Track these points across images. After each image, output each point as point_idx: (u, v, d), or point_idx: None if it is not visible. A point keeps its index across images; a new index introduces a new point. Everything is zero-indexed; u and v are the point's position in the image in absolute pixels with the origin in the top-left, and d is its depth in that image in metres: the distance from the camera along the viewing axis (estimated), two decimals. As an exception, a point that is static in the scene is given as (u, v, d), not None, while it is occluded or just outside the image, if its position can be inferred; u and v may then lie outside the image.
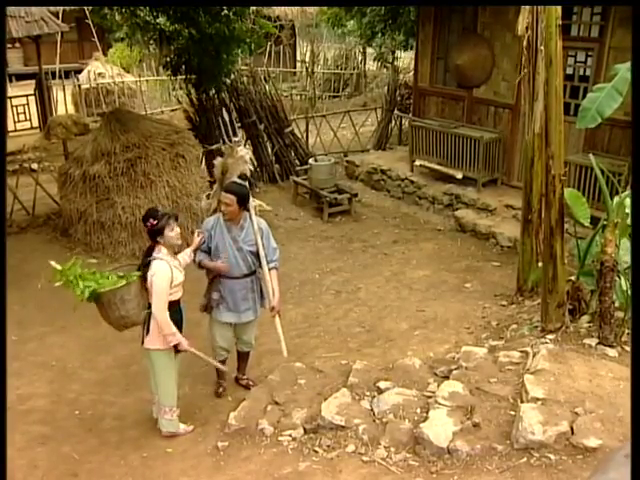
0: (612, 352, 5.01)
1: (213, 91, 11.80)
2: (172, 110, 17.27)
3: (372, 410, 4.72)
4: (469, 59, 10.55)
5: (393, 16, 16.04)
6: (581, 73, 9.55)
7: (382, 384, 4.97)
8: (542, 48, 5.78)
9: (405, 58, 19.37)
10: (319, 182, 10.61)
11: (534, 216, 6.40)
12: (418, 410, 4.62)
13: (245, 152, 5.85)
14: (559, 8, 5.30)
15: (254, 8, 13.22)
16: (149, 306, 4.69)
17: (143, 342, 4.83)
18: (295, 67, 23.04)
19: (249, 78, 12.65)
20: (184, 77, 12.11)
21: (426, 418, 4.45)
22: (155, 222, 4.71)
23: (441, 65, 11.54)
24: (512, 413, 4.39)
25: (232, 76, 12.17)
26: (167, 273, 4.67)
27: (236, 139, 5.15)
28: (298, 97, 19.53)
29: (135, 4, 10.59)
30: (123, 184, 9.12)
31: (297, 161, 12.44)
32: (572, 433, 4.09)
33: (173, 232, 4.80)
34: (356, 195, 10.63)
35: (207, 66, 11.12)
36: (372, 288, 7.67)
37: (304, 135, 13.49)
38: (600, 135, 8.75)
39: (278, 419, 4.85)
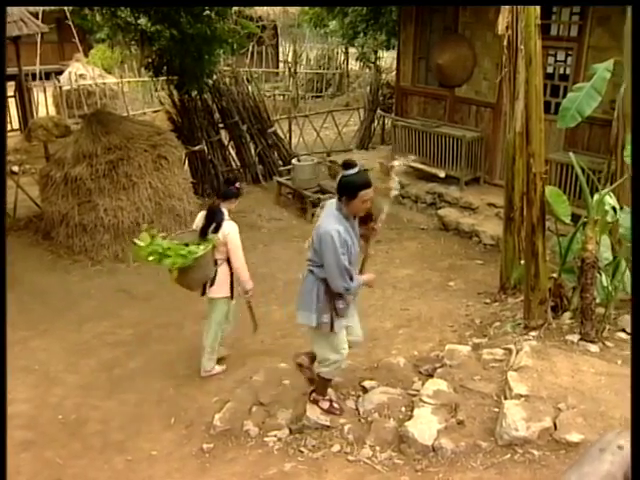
0: (593, 348, 5.06)
1: (195, 92, 11.76)
2: (154, 111, 17.18)
3: (357, 409, 4.75)
4: (450, 58, 10.60)
5: (375, 16, 16.09)
6: (561, 72, 9.64)
7: (367, 383, 4.99)
8: (522, 47, 5.83)
9: (387, 58, 19.42)
10: (302, 182, 10.62)
11: (516, 214, 6.46)
12: (403, 409, 4.64)
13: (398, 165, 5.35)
14: (538, 8, 5.34)
15: (236, 8, 13.21)
16: (215, 262, 5.50)
17: (204, 293, 5.65)
18: (278, 67, 23.02)
19: (231, 79, 12.63)
20: (166, 78, 12.06)
21: (411, 416, 4.47)
22: (239, 187, 5.70)
23: (423, 65, 11.60)
24: (496, 410, 4.42)
25: (214, 77, 12.15)
26: (237, 230, 5.54)
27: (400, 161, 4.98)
28: (281, 97, 19.52)
29: (130, 5, 10.51)
30: (105, 186, 9.08)
31: (280, 161, 12.45)
32: (555, 429, 4.12)
33: (235, 204, 5.74)
34: (339, 195, 10.63)
35: (189, 67, 11.08)
36: (356, 288, 7.67)
37: (287, 135, 13.50)
38: (580, 133, 8.84)
39: (263, 420, 4.85)
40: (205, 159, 11.69)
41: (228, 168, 12.04)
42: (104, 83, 17.92)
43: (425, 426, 4.32)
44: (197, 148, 11.52)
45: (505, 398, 4.48)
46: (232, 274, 5.62)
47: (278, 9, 21.24)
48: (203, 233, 5.49)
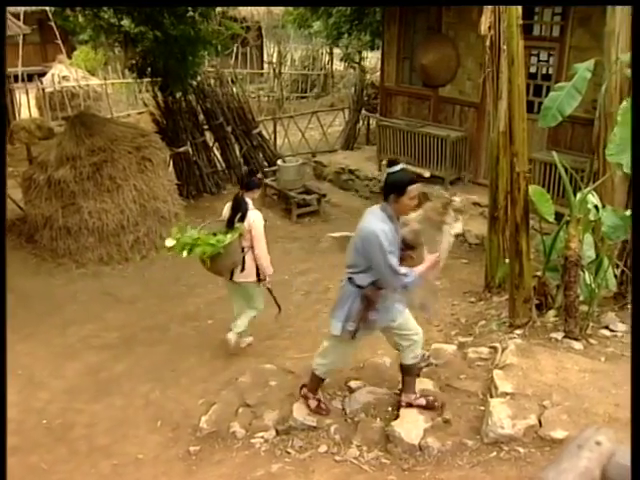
0: (577, 345, 5.10)
1: (179, 93, 11.72)
2: (139, 113, 17.11)
3: (344, 410, 4.75)
4: (434, 59, 10.64)
5: (359, 16, 16.10)
6: (544, 72, 9.71)
7: (353, 383, 5.00)
8: (504, 47, 5.87)
9: (372, 58, 19.44)
10: (287, 183, 10.61)
11: (500, 213, 6.50)
12: (389, 408, 4.66)
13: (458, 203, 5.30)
14: (519, 8, 5.37)
15: (220, 9, 13.16)
16: (242, 249, 5.85)
17: (232, 277, 5.99)
18: (262, 68, 22.98)
19: (216, 80, 12.60)
20: (150, 79, 12.01)
21: (397, 416, 4.49)
22: (260, 178, 5.94)
23: (407, 65, 11.63)
24: (482, 408, 4.44)
25: (198, 78, 12.11)
26: (262, 218, 5.93)
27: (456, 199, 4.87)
28: (265, 98, 19.50)
29: (125, 5, 10.45)
30: (89, 188, 9.03)
31: (265, 162, 12.43)
32: (540, 426, 4.16)
33: (258, 193, 6.26)
34: (324, 195, 10.66)
35: (173, 68, 11.03)
36: (342, 288, 7.68)
37: (272, 136, 13.49)
38: (563, 133, 8.91)
39: (250, 421, 4.85)
40: (190, 161, 11.65)
41: (213, 169, 12.01)
42: (87, 85, 17.82)
43: (412, 425, 4.34)
44: (182, 150, 11.48)
45: (491, 396, 4.52)
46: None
47: (262, 10, 21.21)
48: (230, 223, 5.87)
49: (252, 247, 5.92)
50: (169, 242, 5.84)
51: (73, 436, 5.10)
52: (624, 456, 1.69)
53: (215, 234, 5.80)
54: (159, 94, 11.72)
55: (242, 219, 5.83)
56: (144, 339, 6.76)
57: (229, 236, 5.73)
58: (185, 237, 5.77)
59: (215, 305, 7.46)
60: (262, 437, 4.64)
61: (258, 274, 6.02)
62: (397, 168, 4.09)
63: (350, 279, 4.32)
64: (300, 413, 4.69)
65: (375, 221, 4.11)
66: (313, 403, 4.73)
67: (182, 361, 6.18)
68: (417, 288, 4.42)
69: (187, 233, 5.80)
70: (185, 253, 5.73)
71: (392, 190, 4.09)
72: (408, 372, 4.61)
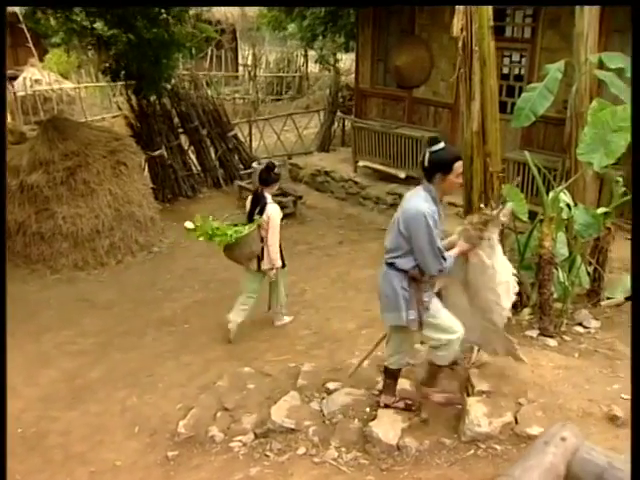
0: (552, 342, 5.18)
1: (154, 97, 11.66)
2: (113, 117, 16.94)
3: (322, 411, 4.74)
4: (408, 60, 10.71)
5: (333, 19, 16.15)
6: (516, 73, 9.84)
7: (331, 385, 4.99)
8: (477, 49, 5.92)
9: (346, 60, 19.50)
10: (263, 186, 10.58)
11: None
12: (367, 409, 4.66)
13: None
14: (490, 10, 5.43)
15: (193, 11, 13.09)
16: (262, 240, 6.24)
17: (259, 267, 6.38)
18: (237, 71, 22.93)
19: (190, 83, 12.55)
20: (124, 83, 11.92)
21: (375, 416, 4.50)
22: (278, 173, 6.42)
23: (381, 66, 11.70)
24: (459, 407, 4.48)
25: (173, 81, 12.06)
26: (279, 212, 6.31)
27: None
28: (241, 101, 19.45)
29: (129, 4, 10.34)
30: (63, 193, 8.93)
31: (241, 165, 12.41)
32: (516, 423, 4.21)
33: (275, 188, 6.59)
34: (300, 197, 10.66)
35: (147, 71, 10.98)
36: (318, 290, 7.70)
37: (247, 139, 13.47)
38: (535, 132, 9.01)
39: (228, 425, 4.82)
40: (165, 164, 11.59)
41: (188, 173, 11.96)
42: (60, 88, 17.60)
43: (389, 426, 4.36)
44: (157, 153, 11.42)
45: (467, 395, 4.55)
46: (281, 249, 6.44)
47: (237, 13, 21.16)
48: (250, 216, 6.32)
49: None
50: (189, 224, 6.23)
51: (48, 444, 5.03)
52: (588, 451, 1.73)
53: (236, 225, 6.28)
54: (133, 97, 11.64)
55: (261, 212, 6.24)
56: (120, 344, 6.69)
57: (247, 228, 6.19)
58: (206, 226, 6.17)
59: (191, 309, 7.43)
60: (240, 441, 4.61)
61: (282, 259, 6.48)
62: (440, 146, 3.97)
63: (391, 264, 4.16)
64: (278, 416, 4.68)
65: (421, 201, 3.98)
66: (438, 397, 4.54)
67: (159, 366, 6.13)
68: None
69: (209, 223, 6.20)
70: (201, 238, 6.22)
71: (438, 169, 3.98)
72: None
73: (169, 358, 6.29)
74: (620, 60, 5.99)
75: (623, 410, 4.21)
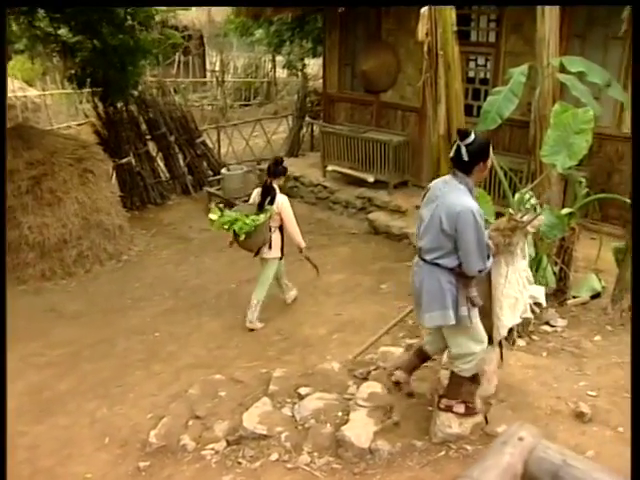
0: (521, 342, 5.24)
1: (121, 104, 11.56)
2: (79, 124, 16.75)
3: (294, 417, 4.73)
4: (375, 65, 10.77)
5: (300, 24, 16.19)
6: (482, 76, 9.94)
7: (302, 390, 4.98)
8: (442, 53, 5.99)
9: (314, 65, 19.55)
10: (232, 192, 10.57)
11: (443, 216, 6.60)
12: (339, 413, 4.67)
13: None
14: (453, 15, 5.51)
15: (160, 18, 13.01)
16: (270, 229, 6.70)
17: (257, 253, 6.83)
18: (205, 77, 22.84)
19: (158, 89, 12.48)
20: (90, 90, 11.80)
21: (347, 420, 4.50)
22: (284, 167, 6.96)
23: (348, 71, 11.74)
24: (430, 409, 4.51)
25: (140, 88, 11.97)
26: (288, 201, 6.83)
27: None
28: (209, 107, 19.38)
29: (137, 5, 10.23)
30: (28, 203, 8.79)
31: (210, 171, 12.36)
32: (486, 423, 4.26)
33: (283, 180, 7.08)
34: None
35: (113, 78, 10.88)
36: (289, 295, 7.69)
37: (216, 145, 13.41)
38: (501, 135, 9.11)
39: (200, 433, 4.79)
40: (133, 171, 11.50)
41: (157, 180, 11.88)
42: (25, 96, 17.35)
43: (361, 429, 4.36)
44: (124, 161, 11.33)
45: (438, 397, 4.58)
46: (282, 239, 6.88)
47: (204, 18, 21.07)
48: (260, 206, 6.71)
49: (279, 227, 6.81)
50: (213, 215, 6.75)
51: (15, 460, 4.89)
52: (544, 449, 1.76)
53: (247, 216, 6.60)
54: (100, 105, 11.53)
55: (271, 202, 6.67)
56: (89, 355, 6.61)
57: (262, 216, 6.59)
58: (225, 216, 6.66)
59: (161, 317, 7.37)
60: (213, 449, 4.58)
61: (282, 251, 6.94)
62: (472, 137, 3.82)
63: (436, 264, 3.94)
64: (250, 422, 4.66)
65: (465, 197, 3.81)
66: (460, 408, 4.30)
67: (129, 375, 6.07)
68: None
69: (226, 214, 6.71)
70: (226, 227, 6.62)
71: (480, 158, 3.85)
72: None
73: (139, 367, 6.24)
74: (580, 64, 6.10)
75: (589, 407, 4.29)
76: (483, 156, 3.87)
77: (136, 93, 11.79)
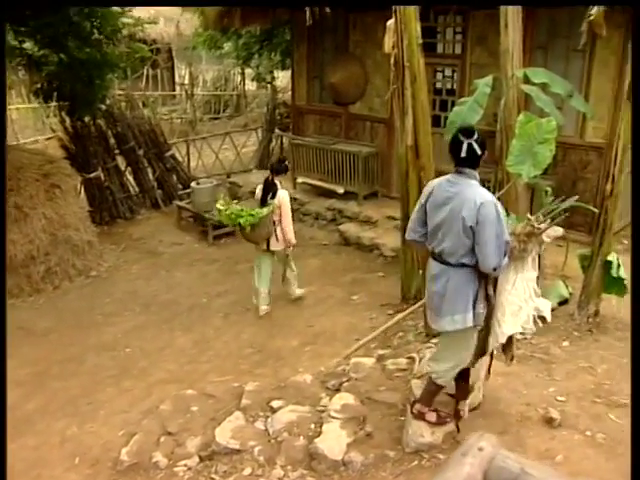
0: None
1: (89, 118, 11.46)
2: (47, 139, 16.54)
3: (267, 430, 4.71)
4: (343, 77, 10.84)
5: (268, 37, 16.25)
6: (448, 87, 10.08)
7: (275, 403, 4.96)
8: (408, 64, 6.06)
9: (283, 77, 19.60)
10: (202, 205, 10.53)
11: (412, 226, 6.65)
12: (312, 426, 4.66)
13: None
14: (418, 27, 5.58)
15: (127, 32, 12.93)
16: (274, 222, 7.15)
17: (269, 247, 7.31)
18: (174, 90, 22.75)
19: (126, 103, 12.39)
20: (57, 104, 11.68)
21: (320, 433, 4.49)
22: (286, 165, 7.51)
23: (317, 83, 11.81)
24: (402, 419, 4.53)
25: (108, 102, 11.87)
26: (288, 196, 7.29)
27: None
28: (178, 120, 19.30)
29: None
30: (-6, 219, 8.65)
31: (179, 185, 12.29)
32: (458, 431, 4.28)
33: (283, 178, 7.46)
34: (241, 216, 10.63)
35: (80, 92, 10.78)
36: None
37: (185, 159, 13.36)
38: (469, 145, 9.21)
39: (172, 450, 4.73)
40: (102, 186, 11.39)
41: (126, 194, 11.78)
42: (-10, 111, 17.11)
43: (334, 441, 4.36)
44: (92, 175, 11.22)
45: (411, 406, 4.60)
46: None
47: (172, 32, 21.01)
48: (263, 201, 7.18)
49: (280, 220, 7.19)
50: (220, 205, 7.19)
51: (-17, 481, 4.84)
52: (503, 459, 1.79)
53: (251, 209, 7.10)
54: (67, 119, 11.41)
55: (273, 197, 7.13)
56: (58, 373, 6.51)
57: (265, 209, 7.05)
58: (231, 209, 7.10)
59: (132, 333, 7.29)
60: (185, 465, 4.53)
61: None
62: (476, 133, 3.93)
63: (462, 264, 3.90)
64: (223, 437, 4.63)
65: (482, 190, 3.84)
66: (432, 417, 4.30)
67: (100, 392, 5.99)
68: None
69: (232, 207, 7.14)
70: (233, 217, 7.03)
71: (484, 149, 3.95)
72: (430, 384, 4.32)
73: (110, 384, 6.16)
74: (543, 75, 6.22)
75: (559, 412, 4.35)
76: (486, 147, 3.98)
77: (104, 107, 11.69)
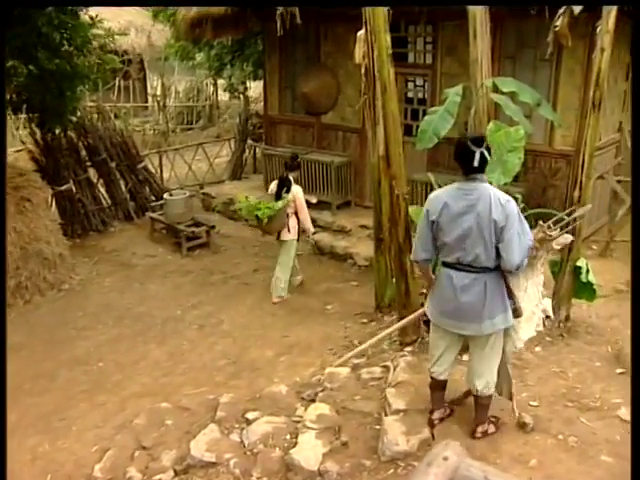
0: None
1: (59, 130, 11.34)
2: (16, 151, 16.31)
3: (242, 442, 4.69)
4: (315, 87, 10.88)
5: (240, 47, 16.26)
6: (420, 97, 10.18)
7: (250, 415, 4.94)
8: (379, 75, 6.11)
9: (256, 88, 19.60)
10: (175, 216, 10.47)
11: (385, 234, 6.69)
12: (288, 436, 4.65)
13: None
14: (388, 38, 5.63)
15: (97, 43, 12.84)
16: (287, 215, 7.86)
17: (279, 237, 8.00)
18: (146, 101, 22.62)
19: (98, 115, 12.30)
20: (27, 116, 11.54)
21: (296, 443, 4.49)
22: (298, 162, 8.29)
23: (289, 94, 11.84)
24: (377, 427, 4.54)
25: (79, 113, 11.76)
26: (301, 190, 8.03)
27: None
28: (151, 132, 19.19)
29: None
30: (-38, 233, 8.51)
31: (152, 197, 12.20)
32: (433, 439, 4.30)
33: (297, 173, 8.38)
34: (214, 227, 10.60)
35: (50, 104, 10.65)
36: (235, 319, 7.65)
37: (158, 170, 13.28)
38: (441, 154, 9.32)
39: (146, 464, 4.68)
40: (73, 199, 11.26)
41: (98, 207, 11.66)
42: (-43, 124, 16.87)
43: (310, 452, 4.36)
44: (64, 188, 11.09)
45: (385, 415, 4.62)
46: (298, 223, 7.99)
47: (144, 43, 20.89)
48: (278, 195, 7.85)
49: (294, 213, 7.91)
50: (239, 202, 8.33)
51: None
52: (467, 468, 1.81)
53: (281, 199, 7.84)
54: (37, 131, 11.27)
55: (287, 191, 7.80)
56: (30, 389, 6.41)
57: (280, 203, 7.74)
58: (250, 202, 7.92)
59: (106, 346, 7.20)
60: (160, 479, 4.51)
61: (298, 234, 8.07)
62: (485, 143, 4.01)
63: (487, 268, 3.95)
64: (198, 450, 4.60)
65: (499, 191, 3.94)
66: (492, 428, 4.37)
67: (72, 408, 5.91)
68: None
69: (250, 199, 8.01)
70: (251, 209, 7.84)
71: (489, 157, 4.03)
72: (483, 400, 4.31)
73: (83, 399, 6.08)
74: (512, 84, 6.32)
75: (532, 417, 4.40)
76: (490, 151, 4.11)
77: (75, 119, 11.56)
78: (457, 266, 4.03)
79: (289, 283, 8.19)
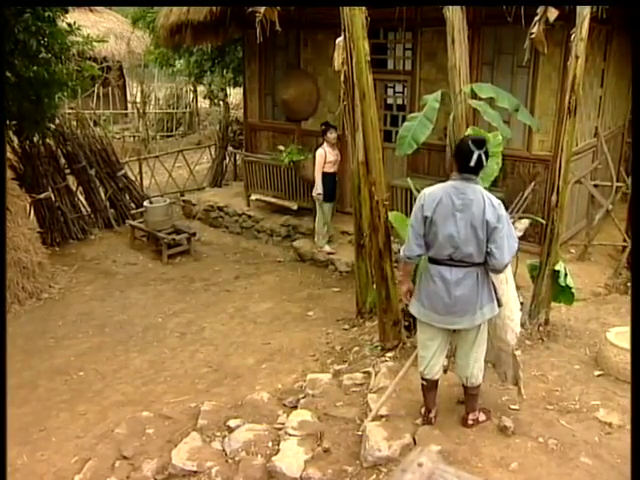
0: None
1: (37, 137, 11.25)
2: (-7, 159, 16.19)
3: (224, 450, 4.68)
4: (295, 93, 10.90)
5: (220, 54, 16.25)
6: (399, 103, 10.23)
7: (232, 422, 4.93)
8: (358, 82, 6.13)
9: (236, 94, 19.59)
10: (156, 224, 10.43)
11: (366, 240, 6.69)
12: (270, 444, 4.65)
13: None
14: (367, 45, 5.66)
15: (75, 50, 12.77)
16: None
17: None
18: (126, 108, 22.51)
19: (77, 122, 12.21)
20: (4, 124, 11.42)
21: (278, 451, 4.49)
22: (326, 127, 9.49)
23: (269, 100, 11.85)
24: (359, 433, 4.54)
25: (57, 121, 11.67)
26: (322, 154, 9.39)
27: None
28: (131, 139, 19.11)
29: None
30: (-64, 245, 8.41)
31: (133, 204, 12.14)
32: (415, 444, 4.32)
33: (332, 134, 9.52)
34: (194, 234, 10.57)
35: (28, 112, 10.56)
36: (217, 326, 7.62)
37: (138, 177, 13.21)
38: (420, 159, 9.38)
39: (128, 474, 4.65)
40: (52, 207, 11.17)
41: (78, 214, 11.58)
42: None
43: (292, 459, 4.35)
44: (42, 196, 10.99)
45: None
46: (324, 183, 9.42)
47: (123, 50, 20.80)
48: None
49: (322, 173, 9.34)
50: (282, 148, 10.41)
51: None
52: (441, 473, 1.81)
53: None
54: (15, 139, 11.18)
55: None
56: (9, 400, 6.28)
57: (303, 157, 10.04)
58: (288, 151, 10.17)
59: (86, 356, 7.14)
60: (141, 489, 4.48)
61: (330, 195, 9.53)
62: (485, 147, 4.08)
63: (478, 263, 4.10)
64: (179, 459, 4.57)
65: (489, 194, 4.11)
66: (482, 416, 4.53)
67: (52, 418, 5.84)
68: None
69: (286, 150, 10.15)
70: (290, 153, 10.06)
71: (486, 162, 4.15)
72: (472, 390, 4.48)
73: (63, 409, 6.02)
74: (490, 90, 6.36)
75: (512, 420, 4.43)
76: (489, 156, 4.22)
77: (53, 126, 11.48)
78: (448, 262, 4.13)
79: (326, 238, 9.50)
